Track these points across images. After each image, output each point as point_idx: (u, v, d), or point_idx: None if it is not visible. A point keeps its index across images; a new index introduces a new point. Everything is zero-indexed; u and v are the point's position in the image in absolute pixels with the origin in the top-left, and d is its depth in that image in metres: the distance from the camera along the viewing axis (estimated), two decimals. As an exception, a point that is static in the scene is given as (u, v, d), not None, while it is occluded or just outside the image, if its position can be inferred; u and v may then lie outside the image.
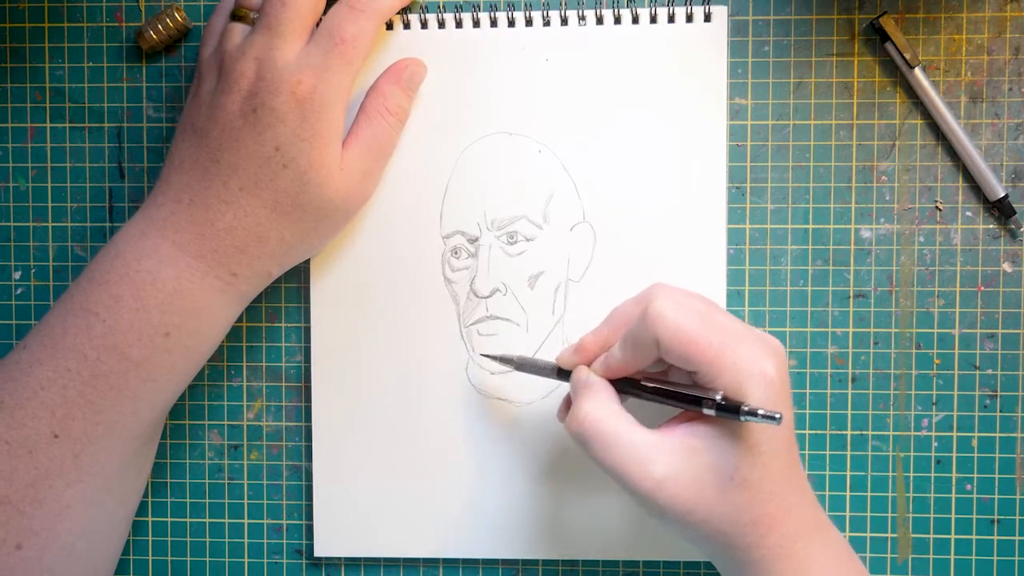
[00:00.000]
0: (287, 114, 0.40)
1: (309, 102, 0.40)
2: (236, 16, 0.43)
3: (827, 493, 0.47)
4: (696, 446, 0.38)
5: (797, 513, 0.38)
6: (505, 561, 0.48)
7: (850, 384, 0.47)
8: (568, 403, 0.43)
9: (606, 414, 0.39)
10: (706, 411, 0.37)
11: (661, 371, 0.42)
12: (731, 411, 0.36)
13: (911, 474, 0.47)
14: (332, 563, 0.48)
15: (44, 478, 0.40)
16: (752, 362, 0.37)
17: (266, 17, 0.41)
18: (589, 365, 0.41)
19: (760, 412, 0.35)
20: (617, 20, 0.46)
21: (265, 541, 0.49)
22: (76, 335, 0.40)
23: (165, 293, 0.41)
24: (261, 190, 0.41)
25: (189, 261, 0.41)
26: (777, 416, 0.35)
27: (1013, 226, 0.46)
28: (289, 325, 0.48)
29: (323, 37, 0.41)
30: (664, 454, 0.38)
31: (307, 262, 0.47)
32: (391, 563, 0.48)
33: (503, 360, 0.45)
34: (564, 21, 0.46)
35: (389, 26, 0.46)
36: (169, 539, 0.49)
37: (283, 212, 0.41)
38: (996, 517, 0.46)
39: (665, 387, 0.39)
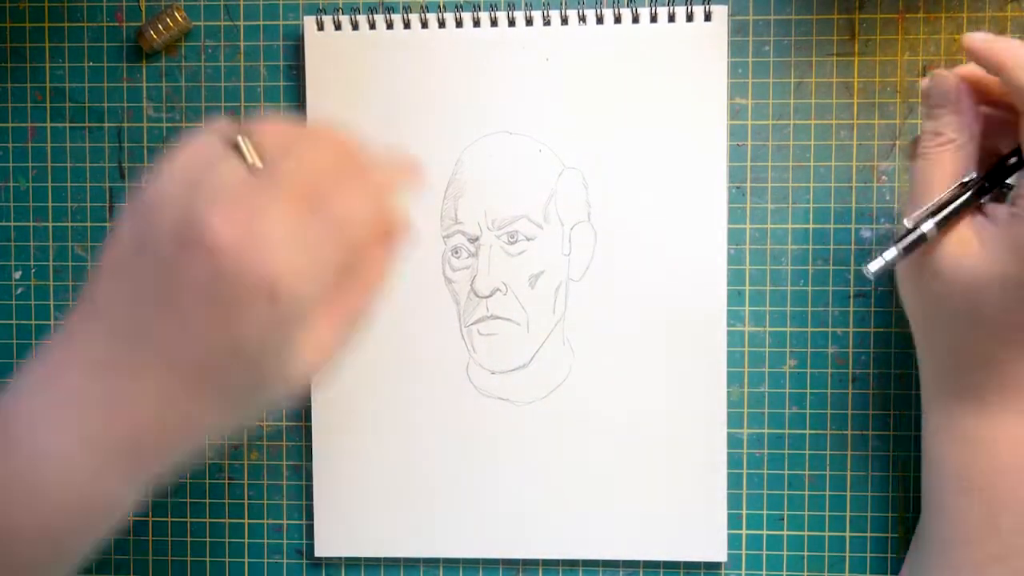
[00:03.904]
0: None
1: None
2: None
3: (827, 493, 0.47)
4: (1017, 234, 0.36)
5: None
6: (505, 561, 0.48)
7: (850, 384, 0.47)
8: None
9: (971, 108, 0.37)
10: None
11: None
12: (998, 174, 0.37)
13: (911, 474, 0.47)
14: (332, 563, 0.48)
15: None
16: None
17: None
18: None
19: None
20: (617, 19, 0.46)
21: (265, 541, 0.49)
22: None
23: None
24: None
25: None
26: None
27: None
28: (289, 325, 0.48)
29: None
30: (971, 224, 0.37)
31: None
32: (391, 563, 0.48)
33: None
34: (564, 20, 0.46)
35: (389, 25, 0.46)
36: (169, 539, 0.49)
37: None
38: (997, 517, 0.46)
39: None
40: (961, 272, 0.37)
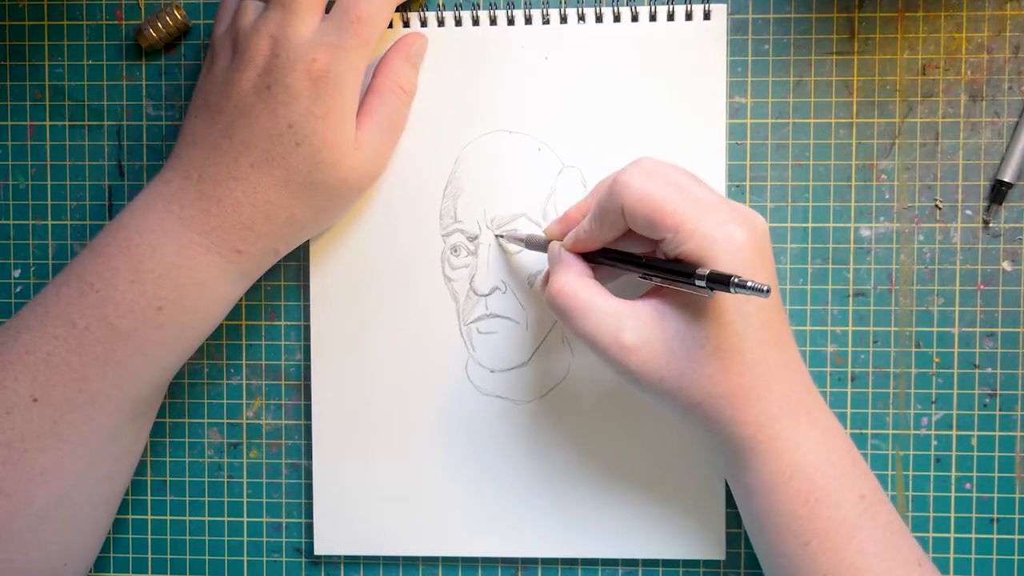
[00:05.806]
0: (301, 92, 0.40)
1: (323, 80, 0.40)
2: None
3: (826, 492, 0.47)
4: (666, 313, 0.38)
5: (780, 389, 0.38)
6: (504, 560, 0.48)
7: (849, 383, 0.47)
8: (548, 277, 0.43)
9: (577, 286, 0.39)
10: (697, 284, 0.36)
11: (649, 252, 0.41)
12: (719, 282, 0.35)
13: (910, 473, 0.47)
14: (331, 561, 0.48)
15: (20, 440, 0.40)
16: (717, 227, 0.37)
17: None
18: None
19: (749, 284, 0.34)
20: (616, 18, 0.46)
21: (264, 539, 0.49)
22: (68, 304, 0.41)
23: (163, 267, 0.41)
24: (272, 167, 0.41)
25: (192, 236, 0.41)
26: (764, 288, 0.33)
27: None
28: (289, 323, 0.48)
29: (338, 15, 0.41)
30: (634, 320, 0.38)
31: (307, 261, 0.47)
32: (390, 561, 0.48)
33: (514, 239, 0.45)
34: (564, 19, 0.46)
35: (389, 24, 0.46)
36: (168, 537, 0.49)
37: (294, 190, 0.41)
38: (995, 516, 0.46)
39: (646, 260, 0.39)
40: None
